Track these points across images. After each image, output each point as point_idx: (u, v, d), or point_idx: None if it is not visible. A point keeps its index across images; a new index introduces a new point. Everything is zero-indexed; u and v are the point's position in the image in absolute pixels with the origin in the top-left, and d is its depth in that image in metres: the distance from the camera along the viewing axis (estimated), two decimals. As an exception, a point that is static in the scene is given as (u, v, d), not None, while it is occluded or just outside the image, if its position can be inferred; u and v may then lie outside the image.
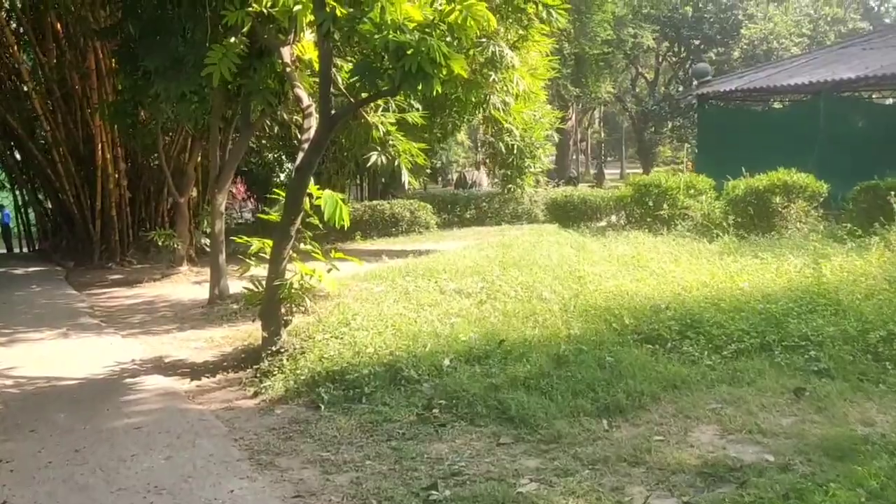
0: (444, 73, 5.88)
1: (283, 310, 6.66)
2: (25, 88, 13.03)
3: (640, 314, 6.33)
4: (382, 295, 8.53)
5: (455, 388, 5.29)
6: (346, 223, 6.40)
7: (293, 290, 6.52)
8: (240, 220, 23.58)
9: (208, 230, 12.64)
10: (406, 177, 8.22)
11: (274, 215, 6.84)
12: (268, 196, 20.22)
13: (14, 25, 13.75)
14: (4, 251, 19.10)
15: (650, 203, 12.65)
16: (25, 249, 17.20)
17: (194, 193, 14.54)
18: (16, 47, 13.17)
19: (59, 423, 5.29)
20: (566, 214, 15.61)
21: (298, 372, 5.98)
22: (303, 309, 6.82)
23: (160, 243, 11.66)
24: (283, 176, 23.44)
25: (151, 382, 6.25)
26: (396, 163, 8.04)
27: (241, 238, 7.08)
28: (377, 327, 6.87)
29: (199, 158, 13.81)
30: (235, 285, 9.90)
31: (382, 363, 5.94)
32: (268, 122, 11.07)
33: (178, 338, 7.89)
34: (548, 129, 13.82)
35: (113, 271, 13.47)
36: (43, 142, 13.71)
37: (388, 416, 5.06)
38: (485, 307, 7.37)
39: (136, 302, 10.15)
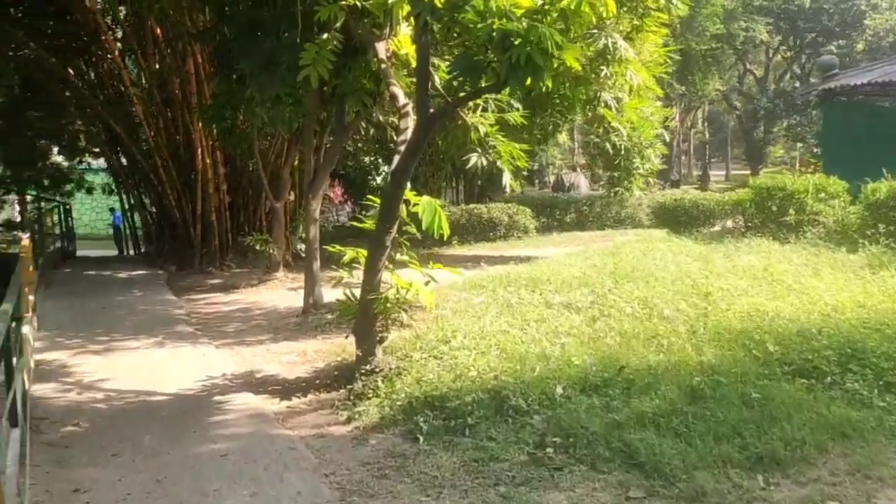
0: (555, 65, 5.25)
1: (378, 325, 6.17)
2: (128, 94, 13.18)
3: (785, 340, 5.47)
4: (483, 308, 7.95)
5: (571, 424, 4.63)
6: (446, 232, 5.82)
7: (388, 305, 6.02)
8: (337, 224, 23.64)
9: (303, 234, 12.44)
10: (507, 179, 7.59)
11: (368, 223, 6.37)
12: (363, 201, 19.98)
13: (117, 32, 13.98)
14: (116, 252, 19.74)
15: (773, 207, 11.54)
16: (132, 252, 17.64)
17: (291, 198, 14.42)
18: (118, 53, 13.36)
19: (144, 446, 4.95)
20: (675, 219, 14.59)
21: (395, 396, 5.46)
22: (399, 324, 6.29)
23: (257, 248, 11.49)
24: (379, 179, 23.33)
25: (241, 401, 5.87)
26: (498, 164, 7.45)
27: (333, 247, 6.65)
28: (479, 346, 6.28)
29: (296, 162, 13.67)
30: (331, 293, 9.56)
31: (486, 389, 5.35)
32: (363, 124, 10.69)
33: (271, 350, 7.55)
34: (657, 127, 12.86)
35: (212, 275, 13.46)
36: (146, 146, 13.88)
37: (496, 454, 4.45)
38: (598, 325, 6.66)
39: (232, 309, 9.96)
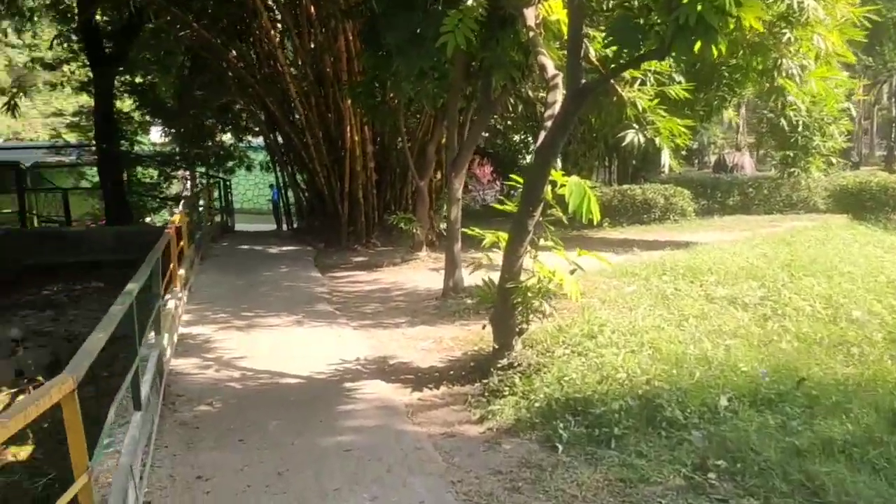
0: (731, 27, 4.48)
1: (517, 316, 5.69)
2: (283, 73, 13.40)
3: None
4: (635, 298, 7.27)
5: (738, 445, 3.95)
6: (596, 217, 5.20)
7: (529, 295, 5.51)
8: (484, 203, 23.33)
9: (446, 215, 12.15)
10: (666, 159, 6.83)
11: (510, 205, 5.87)
12: (507, 181, 19.60)
13: (274, 13, 14.23)
14: (272, 227, 20.47)
15: None
16: (286, 228, 18.20)
17: (438, 176, 14.21)
18: (274, 33, 13.60)
19: (269, 433, 4.78)
20: (860, 204, 12.98)
21: (532, 396, 4.97)
22: (540, 315, 5.78)
23: (401, 227, 11.33)
24: (528, 158, 22.74)
25: (371, 390, 5.60)
26: (657, 142, 6.70)
27: (473, 230, 6.22)
28: (630, 344, 5.65)
29: (442, 140, 13.41)
30: (473, 276, 9.20)
31: (637, 395, 4.74)
32: (511, 99, 10.18)
33: (407, 335, 7.28)
34: (843, 100, 11.36)
35: (358, 253, 13.53)
36: (298, 125, 14.11)
37: (646, 475, 3.87)
38: (770, 326, 5.82)
39: (372, 289, 9.85)
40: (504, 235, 5.80)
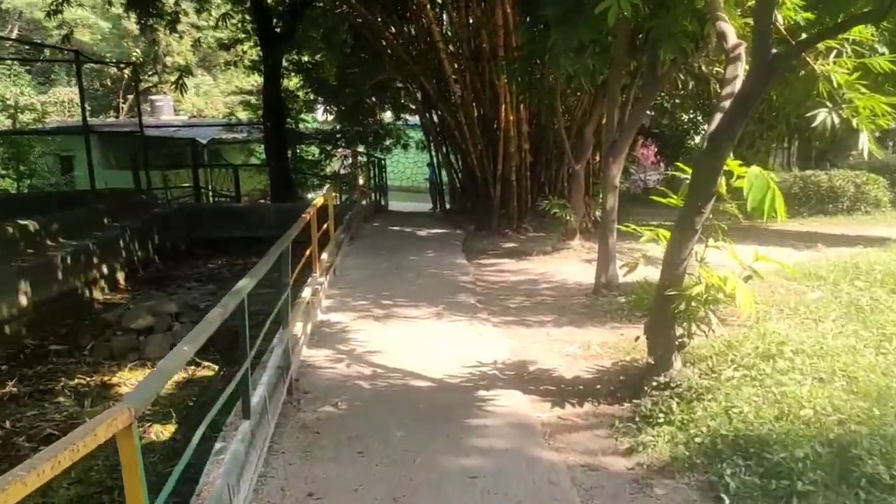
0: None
1: (677, 328, 4.90)
2: (438, 49, 13.01)
3: None
4: (821, 308, 6.21)
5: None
6: (782, 216, 4.30)
7: (693, 304, 4.70)
8: (647, 187, 22.01)
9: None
10: (865, 142, 5.68)
11: (675, 198, 5.06)
12: (673, 164, 18.40)
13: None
14: (427, 207, 20.42)
15: None
16: (438, 209, 18.02)
17: (597, 158, 13.34)
18: (429, 7, 13.23)
19: (392, 446, 4.36)
20: None
21: (693, 428, 4.21)
22: (706, 327, 4.95)
23: (553, 213, 10.66)
24: (697, 139, 21.14)
25: (506, 402, 5.04)
26: (854, 123, 5.59)
27: (628, 227, 5.48)
28: (817, 369, 4.71)
29: (603, 121, 12.53)
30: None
31: (827, 439, 3.86)
32: (681, 75, 9.14)
33: (552, 336, 6.65)
34: None
35: (508, 238, 13.00)
36: (453, 103, 13.73)
37: (840, 556, 3.04)
38: None
39: (519, 279, 9.28)
40: (665, 233, 5.01)
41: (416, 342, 6.48)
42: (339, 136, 20.56)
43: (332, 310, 7.63)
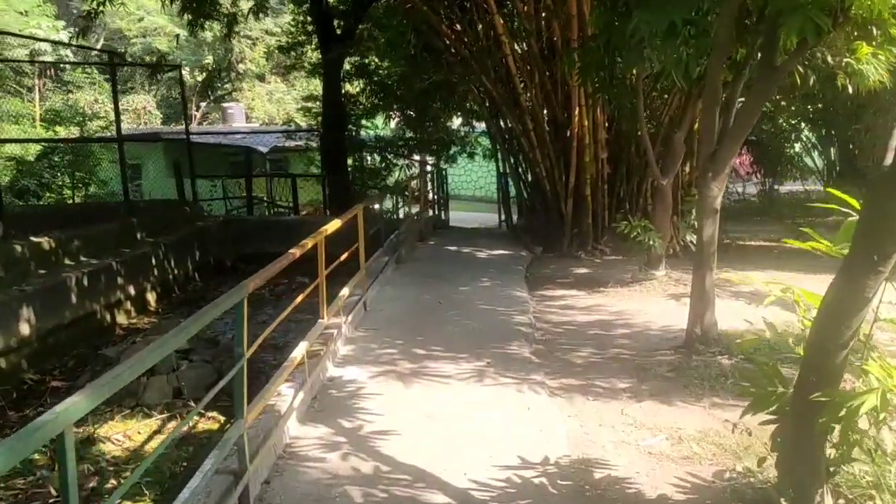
0: None
1: (828, 451, 3.12)
2: (502, 46, 11.34)
3: None
4: None
5: None
6: None
7: (856, 421, 2.92)
8: (740, 199, 19.72)
9: (696, 222, 9.41)
10: None
11: (822, 242, 3.30)
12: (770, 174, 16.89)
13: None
14: (494, 220, 18.66)
15: None
16: (505, 224, 16.18)
17: (687, 169, 11.43)
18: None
19: None
20: None
21: None
22: (872, 445, 3.16)
23: (633, 237, 8.86)
24: (797, 147, 18.76)
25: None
26: None
27: (725, 272, 3.72)
28: None
29: (696, 126, 10.64)
30: (729, 315, 6.55)
31: None
32: (799, 67, 7.19)
33: (627, 415, 4.90)
34: None
35: (581, 262, 11.24)
36: (518, 106, 12.06)
37: None
38: None
39: (589, 320, 7.53)
40: (811, 295, 3.24)
41: (445, 420, 4.85)
42: (401, 143, 19.17)
43: (349, 361, 6.10)
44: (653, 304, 8.10)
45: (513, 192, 15.63)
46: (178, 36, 30.74)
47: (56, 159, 22.80)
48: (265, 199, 21.81)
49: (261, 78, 39.01)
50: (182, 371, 7.94)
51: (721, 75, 6.07)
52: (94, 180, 21.32)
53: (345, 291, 6.73)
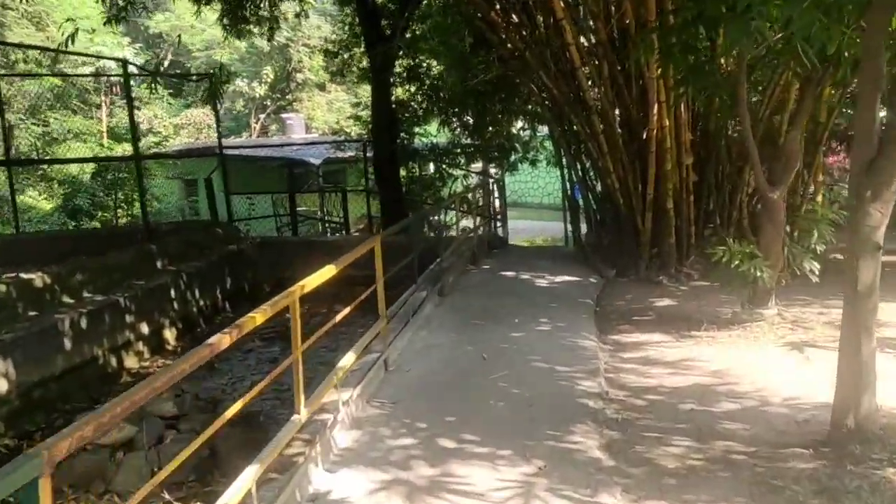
0: None
1: None
2: (562, 30, 9.49)
3: None
4: None
5: None
6: None
7: None
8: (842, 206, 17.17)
9: (817, 246, 7.36)
10: None
11: None
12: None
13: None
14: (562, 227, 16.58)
15: None
16: (573, 239, 14.12)
17: (803, 179, 9.35)
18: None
19: None
20: None
21: None
22: None
23: (735, 266, 6.88)
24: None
25: None
26: None
27: None
28: None
29: (824, 118, 8.65)
30: (891, 388, 4.57)
31: None
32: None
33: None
34: None
35: (663, 290, 9.30)
36: (584, 104, 10.19)
37: None
38: None
39: (680, 385, 5.63)
40: None
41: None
42: (457, 151, 17.45)
43: (347, 459, 4.41)
44: (765, 358, 6.13)
45: (582, 201, 13.65)
46: (179, 37, 29.87)
47: (110, 177, 22.12)
48: (318, 214, 20.51)
49: (321, 87, 38.04)
50: (165, 445, 6.44)
51: (884, 46, 4.10)
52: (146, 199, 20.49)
53: (348, 359, 5.05)
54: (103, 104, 34.54)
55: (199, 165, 24.62)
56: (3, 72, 25.37)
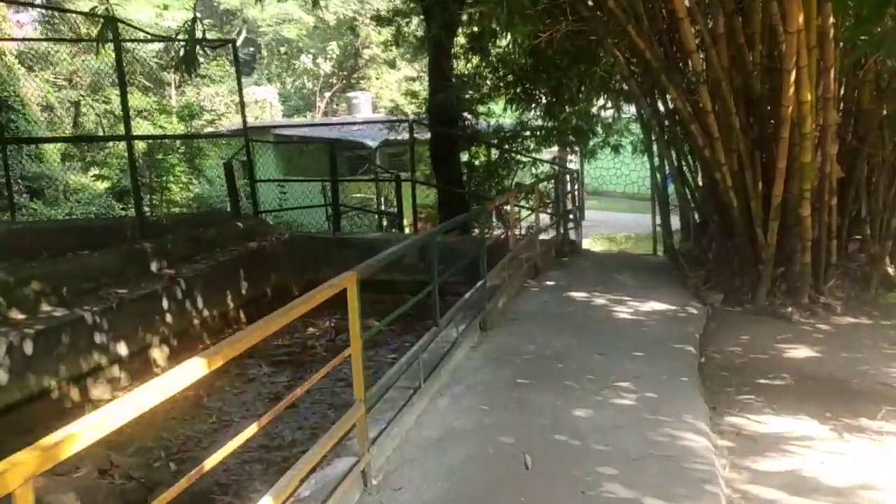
0: None
1: None
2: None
3: None
4: None
5: None
6: None
7: None
8: None
9: None
10: None
11: None
12: None
13: None
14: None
15: None
16: (664, 248, 11.30)
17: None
18: None
19: None
20: None
21: None
22: None
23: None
24: None
25: None
26: None
27: None
28: None
29: None
30: None
31: None
32: None
33: None
34: None
35: (794, 330, 6.73)
36: (686, 77, 7.65)
37: None
38: None
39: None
40: None
41: None
42: (527, 134, 14.95)
43: None
44: None
45: (677, 198, 10.92)
46: (195, 18, 27.53)
47: (160, 157, 20.58)
48: (374, 205, 18.40)
49: (391, 64, 35.94)
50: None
51: None
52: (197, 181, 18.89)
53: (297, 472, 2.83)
54: (173, 82, 33.60)
55: (253, 146, 22.97)
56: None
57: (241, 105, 12.13)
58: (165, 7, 35.98)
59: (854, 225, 7.72)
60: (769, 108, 7.11)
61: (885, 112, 7.35)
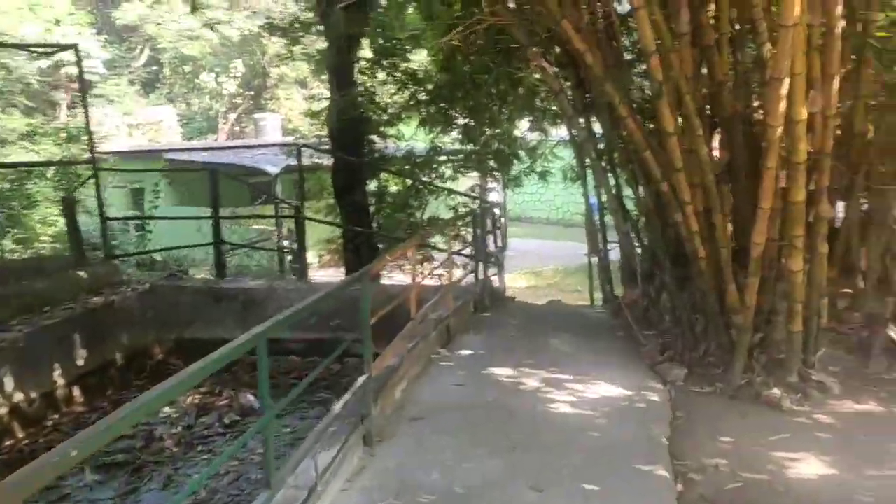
0: None
1: None
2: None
3: None
4: None
5: None
6: None
7: None
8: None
9: None
10: None
11: None
12: None
13: None
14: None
15: None
16: (603, 297, 9.40)
17: None
18: None
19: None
20: None
21: None
22: None
23: None
24: None
25: None
26: None
27: None
28: None
29: None
30: None
31: None
32: None
33: None
34: None
35: (788, 424, 5.04)
36: (631, 82, 5.89)
37: None
38: None
39: None
40: None
41: None
42: (442, 159, 13.11)
43: None
44: None
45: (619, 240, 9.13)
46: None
47: (13, 188, 17.48)
48: (274, 238, 16.16)
49: (301, 84, 33.68)
50: None
51: None
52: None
53: None
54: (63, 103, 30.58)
55: (145, 178, 20.54)
56: None
57: (87, 126, 9.79)
58: (57, 22, 32.79)
59: (845, 270, 6.13)
60: (748, 129, 5.44)
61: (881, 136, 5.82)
